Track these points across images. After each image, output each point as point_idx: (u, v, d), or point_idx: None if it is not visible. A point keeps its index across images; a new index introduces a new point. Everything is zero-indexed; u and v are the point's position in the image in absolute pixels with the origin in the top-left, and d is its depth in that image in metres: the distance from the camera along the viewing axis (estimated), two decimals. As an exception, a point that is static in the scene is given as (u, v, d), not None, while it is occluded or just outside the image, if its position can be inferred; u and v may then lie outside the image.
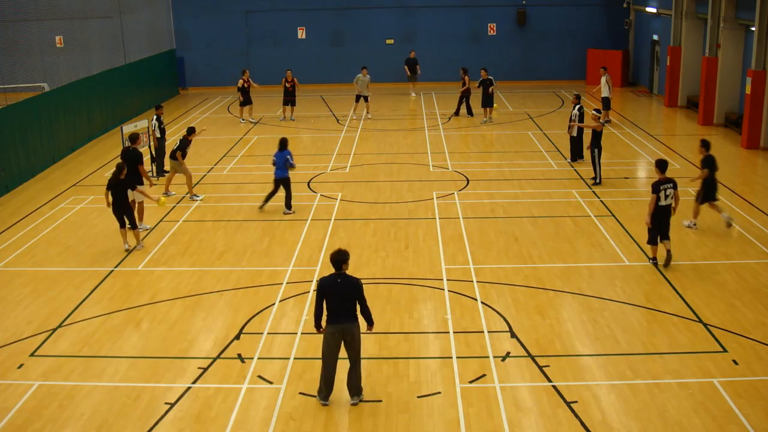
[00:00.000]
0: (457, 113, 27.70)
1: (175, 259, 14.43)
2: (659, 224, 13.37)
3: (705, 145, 15.43)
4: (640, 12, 33.81)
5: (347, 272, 9.26)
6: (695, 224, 15.49)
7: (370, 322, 9.40)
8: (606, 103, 25.71)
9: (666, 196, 13.29)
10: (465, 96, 27.34)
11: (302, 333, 11.26)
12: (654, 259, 13.61)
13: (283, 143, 16.88)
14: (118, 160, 17.33)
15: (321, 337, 9.32)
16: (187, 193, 18.28)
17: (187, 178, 18.11)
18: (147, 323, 11.83)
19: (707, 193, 15.20)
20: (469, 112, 27.47)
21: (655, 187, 13.27)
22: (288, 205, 16.82)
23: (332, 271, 9.27)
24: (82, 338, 11.37)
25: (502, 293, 12.55)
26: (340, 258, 9.15)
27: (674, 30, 28.69)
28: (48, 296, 12.93)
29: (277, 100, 28.87)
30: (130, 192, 15.32)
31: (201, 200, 18.02)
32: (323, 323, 9.22)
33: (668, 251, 13.45)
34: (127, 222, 14.70)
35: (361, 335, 9.33)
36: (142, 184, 15.98)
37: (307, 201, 17.72)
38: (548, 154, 21.80)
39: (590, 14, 35.07)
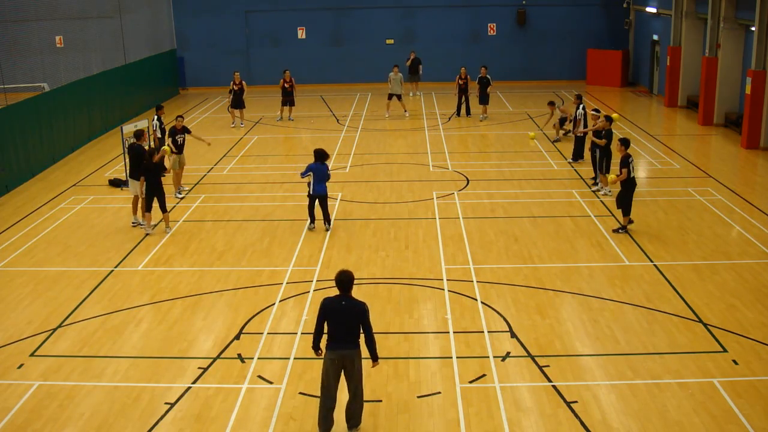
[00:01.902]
0: (458, 113, 27.71)
1: (175, 259, 14.43)
2: (631, 197, 15.13)
3: (608, 119, 17.86)
4: (640, 12, 33.81)
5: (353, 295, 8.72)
6: (608, 191, 17.73)
7: (374, 357, 8.72)
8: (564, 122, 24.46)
9: (633, 168, 15.09)
10: (462, 94, 27.40)
11: (302, 333, 11.26)
12: (624, 228, 15.18)
13: (323, 154, 15.26)
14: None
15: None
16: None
17: (175, 176, 18.50)
18: (147, 323, 11.83)
19: (606, 162, 17.59)
20: (468, 112, 27.52)
21: (626, 161, 15.00)
22: (328, 221, 15.59)
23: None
24: (82, 338, 11.37)
25: (502, 293, 12.55)
26: (346, 279, 8.53)
27: (674, 30, 28.70)
28: (48, 296, 12.93)
29: (276, 100, 28.85)
30: (134, 184, 16.11)
31: (182, 197, 18.31)
32: (323, 347, 8.66)
33: (625, 225, 15.27)
34: (157, 204, 15.57)
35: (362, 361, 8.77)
36: (138, 179, 16.18)
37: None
38: (548, 154, 21.80)
39: (590, 14, 35.07)
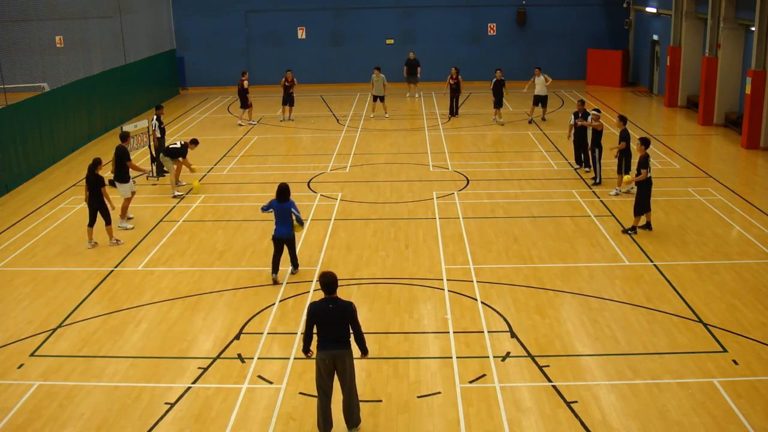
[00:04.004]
0: (456, 113, 27.70)
1: (175, 259, 14.43)
2: (650, 196, 15.01)
3: (622, 120, 17.75)
4: (640, 12, 33.81)
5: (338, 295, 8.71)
6: (621, 191, 17.65)
7: (364, 350, 8.82)
8: (542, 100, 26.19)
9: (650, 169, 14.92)
10: (453, 94, 27.43)
11: (302, 333, 11.23)
12: (633, 229, 15.06)
13: (285, 192, 12.88)
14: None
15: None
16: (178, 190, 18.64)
17: (174, 173, 18.64)
18: (147, 323, 11.82)
19: (626, 162, 17.39)
20: (454, 112, 27.68)
21: (646, 162, 14.84)
22: (295, 264, 13.39)
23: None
24: (82, 338, 11.37)
25: (502, 293, 12.55)
26: (331, 281, 8.57)
27: (674, 30, 28.70)
28: (48, 296, 12.93)
29: (277, 100, 28.85)
30: (122, 187, 16.03)
31: (180, 195, 18.37)
32: (314, 349, 8.71)
33: (649, 221, 15.17)
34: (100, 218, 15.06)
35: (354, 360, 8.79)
36: (126, 182, 16.17)
37: (307, 201, 17.71)
38: (548, 154, 21.80)
39: (590, 14, 35.07)
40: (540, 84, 25.90)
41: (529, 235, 15.20)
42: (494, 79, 26.01)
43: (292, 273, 13.34)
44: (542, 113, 26.46)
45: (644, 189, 14.91)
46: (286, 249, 13.18)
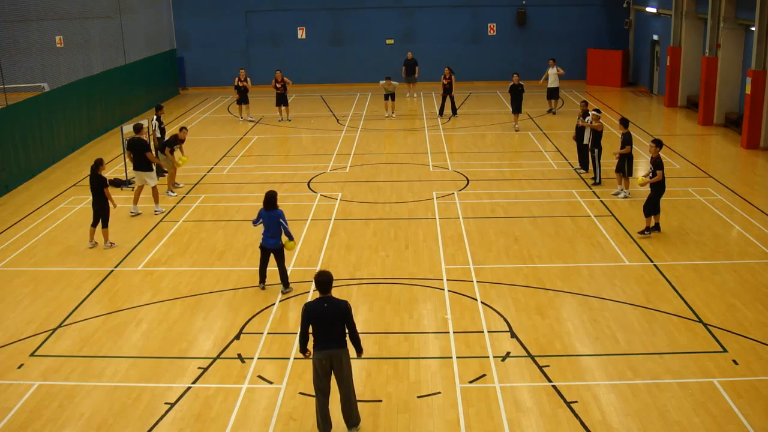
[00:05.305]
0: (454, 113, 27.70)
1: (175, 259, 14.43)
2: (660, 198, 14.90)
3: (624, 123, 17.74)
4: (640, 12, 33.82)
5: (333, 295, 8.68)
6: (628, 193, 17.56)
7: (359, 350, 8.80)
8: (554, 93, 27.72)
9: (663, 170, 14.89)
10: (446, 94, 27.51)
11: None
12: (649, 229, 14.90)
13: (272, 199, 12.41)
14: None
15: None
16: (169, 189, 18.71)
17: (173, 172, 18.80)
18: (147, 323, 11.82)
19: (629, 165, 17.41)
20: (441, 112, 27.85)
21: (661, 163, 14.80)
22: (285, 282, 12.70)
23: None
24: (82, 338, 11.37)
25: (502, 293, 12.55)
26: (326, 280, 8.56)
27: (674, 30, 28.70)
28: (48, 296, 12.93)
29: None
30: (150, 174, 16.77)
31: (176, 195, 18.47)
32: (311, 349, 8.68)
33: (657, 223, 15.06)
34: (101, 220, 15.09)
35: (352, 361, 8.76)
36: (151, 170, 17.01)
37: (307, 201, 17.72)
38: (548, 154, 21.80)
39: (590, 14, 35.07)
40: (552, 75, 27.06)
41: (529, 235, 15.20)
42: (511, 83, 25.24)
43: (283, 292, 12.64)
44: (553, 106, 27.75)
45: (657, 190, 14.80)
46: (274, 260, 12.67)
